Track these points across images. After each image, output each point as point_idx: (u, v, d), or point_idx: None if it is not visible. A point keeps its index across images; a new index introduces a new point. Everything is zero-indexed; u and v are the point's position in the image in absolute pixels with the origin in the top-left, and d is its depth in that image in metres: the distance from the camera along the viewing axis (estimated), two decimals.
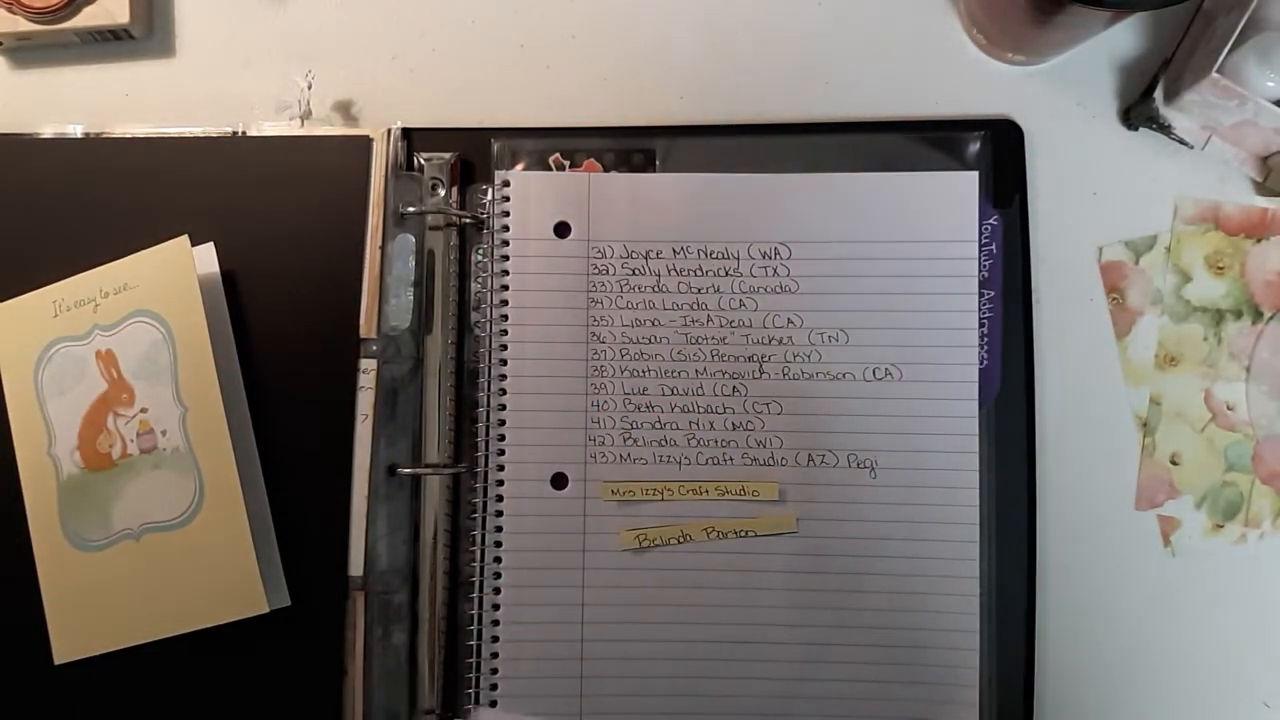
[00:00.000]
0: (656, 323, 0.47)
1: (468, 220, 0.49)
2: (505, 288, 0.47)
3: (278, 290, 0.47)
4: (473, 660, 0.46)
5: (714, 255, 0.48)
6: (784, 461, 0.47)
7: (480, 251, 0.49)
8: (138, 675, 0.46)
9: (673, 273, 0.48)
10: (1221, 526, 0.48)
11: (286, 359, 0.47)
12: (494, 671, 0.46)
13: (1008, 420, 0.47)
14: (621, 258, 0.48)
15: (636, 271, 0.48)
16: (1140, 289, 0.49)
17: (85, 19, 0.49)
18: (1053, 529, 0.47)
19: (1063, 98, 0.50)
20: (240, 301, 0.47)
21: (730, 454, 0.47)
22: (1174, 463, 0.48)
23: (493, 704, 0.46)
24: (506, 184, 0.48)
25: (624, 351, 0.47)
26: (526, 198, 0.48)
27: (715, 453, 0.47)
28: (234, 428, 0.45)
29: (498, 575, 0.46)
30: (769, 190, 0.48)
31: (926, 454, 0.46)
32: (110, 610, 0.45)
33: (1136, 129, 0.49)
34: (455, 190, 0.49)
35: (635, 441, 0.47)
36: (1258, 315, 0.48)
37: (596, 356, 0.47)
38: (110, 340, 0.46)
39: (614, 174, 0.49)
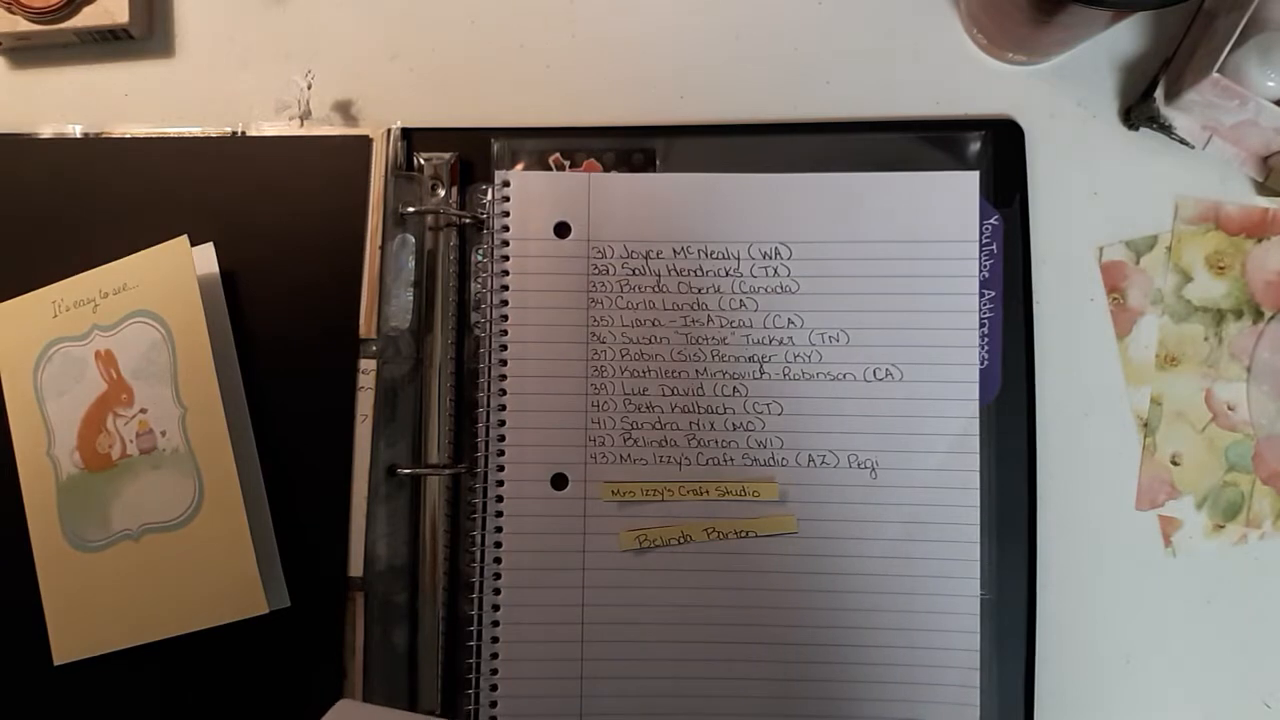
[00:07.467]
0: (656, 323, 0.47)
1: (468, 220, 0.48)
2: (505, 288, 0.47)
3: (278, 290, 0.47)
4: (473, 660, 0.46)
5: (714, 255, 0.47)
6: (784, 462, 0.47)
7: (480, 251, 0.49)
8: (138, 676, 0.46)
9: (673, 273, 0.48)
10: (1222, 527, 0.48)
11: (286, 359, 0.47)
12: (494, 672, 0.46)
13: (1008, 420, 0.47)
14: (621, 258, 0.48)
15: (636, 271, 0.48)
16: (1141, 289, 0.49)
17: (85, 19, 0.49)
18: (1053, 529, 0.47)
19: (1063, 98, 0.50)
20: (240, 301, 0.47)
21: (730, 454, 0.47)
22: (1175, 463, 0.48)
23: (493, 704, 0.46)
24: (506, 184, 0.48)
25: (624, 351, 0.47)
26: (526, 198, 0.48)
27: (715, 453, 0.47)
28: (234, 428, 0.45)
29: (498, 575, 0.46)
30: (769, 190, 0.48)
31: (926, 454, 0.46)
32: (110, 611, 0.45)
33: (1137, 129, 0.49)
34: (455, 190, 0.49)
35: (635, 441, 0.47)
36: (1258, 315, 0.48)
37: (596, 356, 0.47)
38: (110, 340, 0.46)
39: (614, 174, 0.48)
